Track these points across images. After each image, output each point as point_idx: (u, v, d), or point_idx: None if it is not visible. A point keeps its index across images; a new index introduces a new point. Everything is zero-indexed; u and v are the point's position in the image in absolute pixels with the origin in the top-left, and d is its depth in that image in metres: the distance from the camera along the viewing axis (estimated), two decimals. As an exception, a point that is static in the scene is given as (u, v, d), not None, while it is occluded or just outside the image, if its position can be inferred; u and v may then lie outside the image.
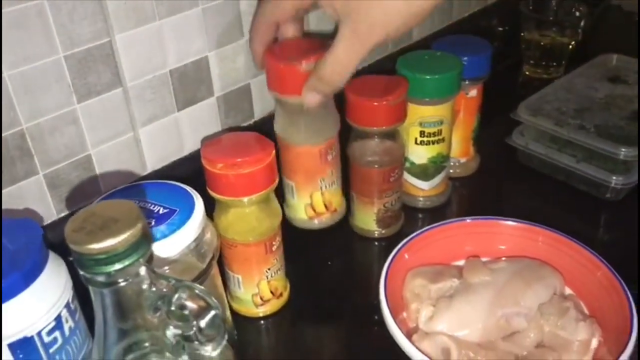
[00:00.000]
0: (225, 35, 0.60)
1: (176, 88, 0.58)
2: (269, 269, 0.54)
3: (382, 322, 0.47)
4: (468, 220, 0.55)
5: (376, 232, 0.66)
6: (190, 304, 0.30)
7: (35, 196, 0.51)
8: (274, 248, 0.53)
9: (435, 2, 0.43)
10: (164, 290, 0.30)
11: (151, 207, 0.44)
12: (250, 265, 0.53)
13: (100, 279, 0.28)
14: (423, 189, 0.69)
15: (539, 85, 0.80)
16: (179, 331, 0.30)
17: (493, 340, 0.48)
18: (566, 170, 0.71)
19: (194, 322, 0.30)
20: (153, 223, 0.41)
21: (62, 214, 0.53)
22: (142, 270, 0.29)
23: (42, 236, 0.39)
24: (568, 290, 0.52)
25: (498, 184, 0.76)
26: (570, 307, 0.49)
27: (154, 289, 0.30)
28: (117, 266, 0.28)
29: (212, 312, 0.30)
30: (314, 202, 0.62)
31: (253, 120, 0.67)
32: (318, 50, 0.50)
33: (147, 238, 0.29)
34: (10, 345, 0.36)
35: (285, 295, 0.58)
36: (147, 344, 0.32)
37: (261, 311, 0.56)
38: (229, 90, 0.63)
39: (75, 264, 0.28)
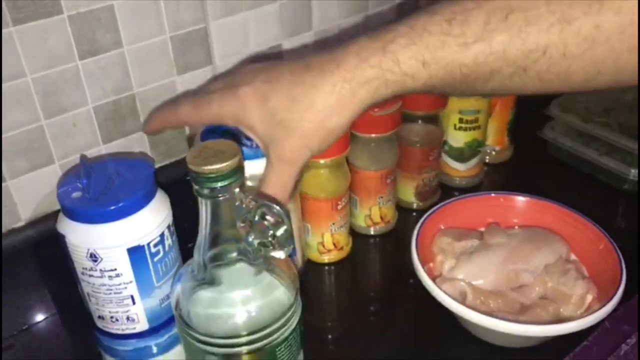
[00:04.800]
0: (296, 27, 0.71)
1: (254, 69, 0.70)
2: (333, 224, 0.65)
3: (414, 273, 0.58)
4: (492, 195, 0.65)
5: (414, 204, 0.76)
6: (269, 218, 0.41)
7: (139, 149, 0.64)
8: (339, 207, 0.65)
9: (349, 119, 0.44)
10: (250, 206, 0.41)
11: (247, 141, 0.51)
12: (318, 217, 0.65)
13: (208, 192, 0.40)
14: (459, 170, 0.79)
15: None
16: (258, 240, 0.42)
17: (503, 289, 0.57)
18: (590, 162, 0.79)
19: (270, 232, 0.41)
20: (254, 146, 0.49)
21: (159, 165, 0.66)
22: (237, 190, 0.40)
23: (154, 172, 0.51)
24: (573, 257, 0.61)
25: (528, 172, 0.84)
26: (572, 269, 0.58)
27: (243, 205, 0.41)
28: (220, 184, 0.39)
29: (284, 227, 0.41)
30: (372, 215, 0.72)
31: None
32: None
33: (241, 168, 0.40)
34: (129, 250, 0.48)
35: (346, 249, 0.69)
36: (230, 255, 0.43)
37: (325, 258, 0.68)
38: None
39: (192, 181, 0.40)
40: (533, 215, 0.64)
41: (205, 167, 0.39)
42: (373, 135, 0.67)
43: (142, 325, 0.52)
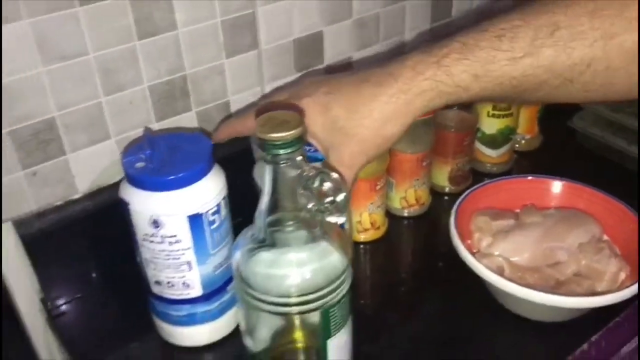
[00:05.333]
0: (336, 14, 0.74)
1: (296, 55, 0.72)
2: (371, 204, 0.68)
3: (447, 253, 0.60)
4: (529, 177, 0.67)
5: (447, 188, 0.79)
6: (328, 185, 0.44)
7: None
8: (377, 187, 0.68)
9: (403, 127, 0.47)
10: (310, 174, 0.44)
11: (306, 147, 0.55)
12: (357, 197, 0.67)
13: (272, 158, 0.42)
14: (491, 156, 0.81)
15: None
16: (316, 206, 0.44)
17: (539, 266, 0.60)
18: (619, 151, 0.81)
19: (329, 199, 0.44)
20: (312, 150, 0.51)
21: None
22: (299, 158, 0.43)
23: (211, 145, 0.54)
24: (605, 237, 0.63)
25: (556, 160, 0.86)
26: (605, 247, 0.60)
27: (304, 173, 0.43)
28: (283, 151, 0.42)
29: (343, 193, 0.44)
30: (407, 197, 0.74)
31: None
32: None
33: (304, 138, 0.43)
34: (189, 217, 0.51)
35: (382, 229, 0.72)
36: (289, 220, 0.46)
37: (362, 237, 0.71)
38: (335, 60, 0.77)
39: (259, 148, 0.42)
40: (566, 197, 0.66)
41: (272, 135, 0.42)
42: (411, 118, 0.69)
43: (197, 291, 0.55)
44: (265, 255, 0.47)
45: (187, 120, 0.66)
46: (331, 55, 0.76)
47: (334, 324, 0.48)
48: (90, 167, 0.62)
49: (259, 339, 0.51)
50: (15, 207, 0.59)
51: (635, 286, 0.54)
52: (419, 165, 0.72)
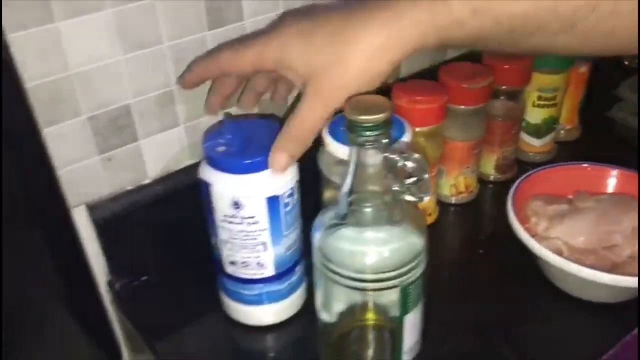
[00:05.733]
0: None
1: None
2: None
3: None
4: (585, 165, 0.69)
5: (492, 177, 0.81)
6: (411, 164, 0.46)
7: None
8: (432, 175, 0.69)
9: (392, 65, 0.44)
10: (394, 156, 0.46)
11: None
12: None
13: (360, 140, 0.44)
14: (534, 146, 0.83)
15: (641, 69, 0.92)
16: (399, 187, 0.46)
17: (595, 248, 0.62)
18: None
19: (412, 179, 0.46)
20: None
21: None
22: (385, 140, 0.45)
23: None
24: (656, 222, 0.65)
25: (596, 150, 0.88)
26: (659, 231, 0.62)
27: (389, 155, 0.46)
28: (370, 133, 0.44)
29: (426, 174, 0.46)
30: (457, 184, 0.76)
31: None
32: (479, 74, 0.68)
33: (391, 122, 0.45)
34: (267, 199, 0.53)
35: (434, 216, 0.74)
36: (371, 200, 0.48)
37: None
38: None
39: (348, 130, 0.45)
40: (619, 184, 0.69)
41: (361, 117, 0.44)
42: (463, 107, 0.71)
43: (269, 271, 0.57)
44: (346, 232, 0.49)
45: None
46: None
47: (411, 301, 0.50)
48: (160, 152, 0.64)
49: (333, 313, 0.53)
50: (91, 192, 0.61)
51: (691, 267, 0.57)
52: (470, 153, 0.74)
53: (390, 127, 0.45)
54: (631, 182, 0.67)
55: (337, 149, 0.59)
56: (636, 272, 0.60)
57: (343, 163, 0.59)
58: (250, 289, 0.58)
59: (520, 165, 0.84)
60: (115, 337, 0.64)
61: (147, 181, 0.65)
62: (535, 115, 0.81)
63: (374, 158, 0.46)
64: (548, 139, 0.83)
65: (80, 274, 0.60)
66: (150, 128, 0.62)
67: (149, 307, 0.66)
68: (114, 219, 0.63)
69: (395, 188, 0.47)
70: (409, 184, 0.47)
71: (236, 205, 0.53)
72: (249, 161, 0.52)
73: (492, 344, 0.60)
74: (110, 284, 0.67)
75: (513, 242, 0.64)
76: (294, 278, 0.60)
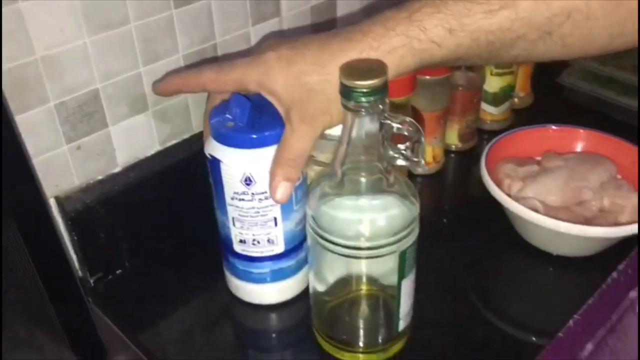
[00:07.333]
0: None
1: (313, 20, 0.74)
2: None
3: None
4: (549, 127, 0.72)
5: (454, 146, 0.83)
6: (409, 129, 0.46)
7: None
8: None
9: None
10: (392, 123, 0.45)
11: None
12: None
13: (355, 106, 0.44)
14: (493, 114, 0.86)
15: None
16: (394, 153, 0.46)
17: (568, 205, 0.64)
18: (608, 103, 0.87)
19: (406, 144, 0.46)
20: None
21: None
22: (380, 107, 0.45)
23: None
24: (619, 176, 0.68)
25: (550, 115, 0.91)
26: (624, 184, 0.65)
27: (383, 121, 0.45)
28: (365, 98, 0.43)
29: (423, 138, 0.46)
30: (426, 155, 0.77)
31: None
32: None
33: (387, 86, 0.44)
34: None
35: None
36: (365, 167, 0.48)
37: None
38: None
39: (343, 96, 0.44)
40: (584, 143, 0.71)
41: (356, 82, 0.43)
42: (429, 77, 0.72)
43: (280, 247, 0.56)
44: (341, 201, 0.49)
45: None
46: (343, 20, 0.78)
47: (408, 266, 0.51)
48: (129, 139, 0.62)
49: (327, 283, 0.53)
50: (60, 183, 0.58)
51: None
52: (437, 124, 0.75)
53: (386, 92, 0.45)
54: (594, 141, 0.70)
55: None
56: (606, 224, 0.62)
57: (324, 137, 0.59)
58: (260, 267, 0.57)
59: (479, 134, 0.86)
60: (99, 335, 0.61)
61: (117, 169, 0.62)
62: (493, 84, 0.83)
63: (370, 124, 0.45)
64: (505, 106, 0.86)
65: (60, 270, 0.57)
66: (119, 113, 0.60)
67: (126, 301, 0.63)
68: (85, 211, 0.60)
69: (390, 154, 0.47)
70: (403, 149, 0.47)
71: (248, 181, 0.51)
72: (262, 134, 0.51)
73: (474, 308, 0.61)
74: (84, 279, 0.64)
75: (484, 207, 0.66)
76: (303, 254, 0.58)
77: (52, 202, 0.59)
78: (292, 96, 0.46)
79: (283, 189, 0.50)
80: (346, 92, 0.44)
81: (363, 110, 0.45)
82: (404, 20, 0.43)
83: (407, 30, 0.43)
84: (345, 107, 0.45)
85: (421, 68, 0.45)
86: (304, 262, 0.58)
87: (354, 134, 0.46)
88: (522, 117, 0.91)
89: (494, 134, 0.85)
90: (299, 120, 0.46)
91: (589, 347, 0.57)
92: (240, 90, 0.50)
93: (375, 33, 0.44)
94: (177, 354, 0.58)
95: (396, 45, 0.43)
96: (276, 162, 0.49)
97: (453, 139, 0.82)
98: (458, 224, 0.72)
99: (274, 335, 0.61)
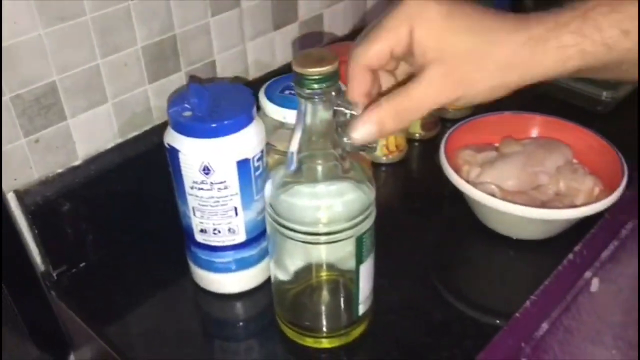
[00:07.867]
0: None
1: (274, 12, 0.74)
2: None
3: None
4: (506, 114, 0.73)
5: (418, 135, 0.84)
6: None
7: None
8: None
9: (518, 86, 0.41)
10: (345, 110, 0.46)
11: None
12: None
13: (307, 93, 0.44)
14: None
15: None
16: (348, 139, 0.47)
17: (525, 190, 0.66)
18: (564, 89, 0.89)
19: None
20: None
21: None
22: (333, 94, 0.45)
23: (252, 94, 0.55)
24: (575, 161, 0.70)
25: (510, 103, 0.92)
26: (580, 168, 0.67)
27: (340, 108, 0.46)
28: (317, 85, 0.44)
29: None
30: (388, 144, 0.78)
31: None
32: None
33: (338, 74, 0.45)
34: (238, 162, 0.52)
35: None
36: (321, 154, 0.48)
37: None
38: (307, 17, 0.80)
39: (296, 85, 0.45)
40: (539, 129, 0.73)
41: (308, 69, 0.44)
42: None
43: (241, 237, 0.57)
44: (298, 189, 0.49)
45: (178, 80, 0.67)
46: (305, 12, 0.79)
47: (365, 250, 0.51)
48: (89, 132, 0.62)
49: (288, 271, 0.54)
50: (19, 177, 0.58)
51: (610, 197, 0.61)
52: (398, 112, 0.76)
53: (338, 79, 0.46)
54: (550, 127, 0.72)
55: (276, 112, 0.60)
56: (562, 207, 0.64)
57: (283, 126, 0.60)
58: (222, 256, 0.58)
59: (442, 123, 0.87)
60: (61, 329, 0.61)
61: (77, 162, 0.62)
62: (453, 72, 0.84)
63: (323, 112, 0.46)
64: (466, 95, 0.87)
65: (20, 264, 0.56)
66: (77, 106, 0.60)
67: (91, 293, 0.63)
68: (46, 205, 0.60)
69: (345, 140, 0.48)
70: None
71: (206, 170, 0.52)
72: (220, 124, 0.51)
73: (435, 291, 0.63)
74: (47, 273, 0.64)
75: (446, 193, 0.67)
76: (265, 243, 0.59)
77: (10, 196, 0.58)
78: (443, 47, 0.40)
79: (364, 131, 0.44)
80: (299, 80, 0.45)
81: (316, 97, 0.45)
82: (578, 18, 0.38)
83: (581, 28, 0.38)
84: (299, 95, 0.46)
85: (574, 74, 0.40)
86: (266, 252, 0.59)
87: (308, 121, 0.47)
88: (484, 106, 0.92)
89: (456, 122, 0.87)
90: (442, 75, 0.40)
91: (545, 326, 0.59)
92: (397, 46, 0.42)
93: (546, 23, 0.39)
94: (143, 345, 0.58)
95: (566, 43, 0.38)
96: (385, 106, 0.43)
97: (416, 128, 0.83)
98: (420, 210, 0.73)
99: (239, 324, 0.62)
